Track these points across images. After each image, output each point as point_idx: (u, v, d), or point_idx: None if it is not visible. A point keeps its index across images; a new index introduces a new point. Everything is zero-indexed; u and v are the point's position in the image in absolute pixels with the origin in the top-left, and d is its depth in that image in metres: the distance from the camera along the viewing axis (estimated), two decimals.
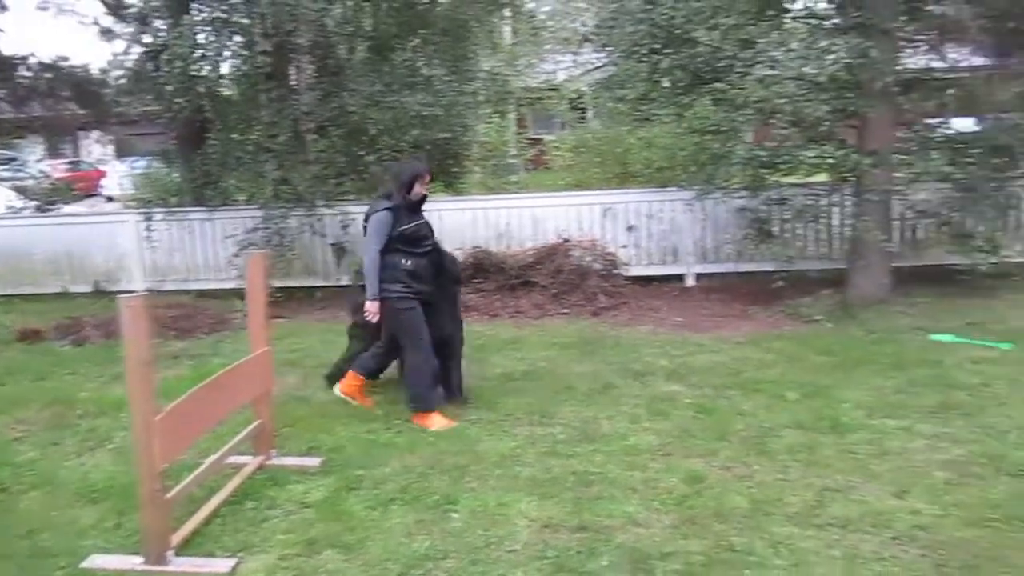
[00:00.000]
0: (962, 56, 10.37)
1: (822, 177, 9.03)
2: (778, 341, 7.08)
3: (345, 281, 9.92)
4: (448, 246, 9.40)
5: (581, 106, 17.06)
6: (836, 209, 9.07)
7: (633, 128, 11.23)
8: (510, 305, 8.54)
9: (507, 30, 14.61)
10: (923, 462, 4.56)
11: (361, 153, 10.12)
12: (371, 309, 5.46)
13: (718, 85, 8.27)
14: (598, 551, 3.71)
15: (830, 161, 8.10)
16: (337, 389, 5.94)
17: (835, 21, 8.54)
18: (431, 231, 5.69)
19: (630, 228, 9.49)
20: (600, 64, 10.40)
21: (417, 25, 10.49)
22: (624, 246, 9.44)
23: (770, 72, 7.74)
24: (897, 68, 8.31)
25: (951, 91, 9.89)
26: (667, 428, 5.19)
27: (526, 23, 14.68)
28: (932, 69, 9.30)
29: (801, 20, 9.17)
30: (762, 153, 7.77)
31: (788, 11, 9.06)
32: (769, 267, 9.07)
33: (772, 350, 6.82)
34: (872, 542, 3.74)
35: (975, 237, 8.46)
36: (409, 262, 5.47)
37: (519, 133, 18.77)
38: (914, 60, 9.35)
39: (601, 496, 4.28)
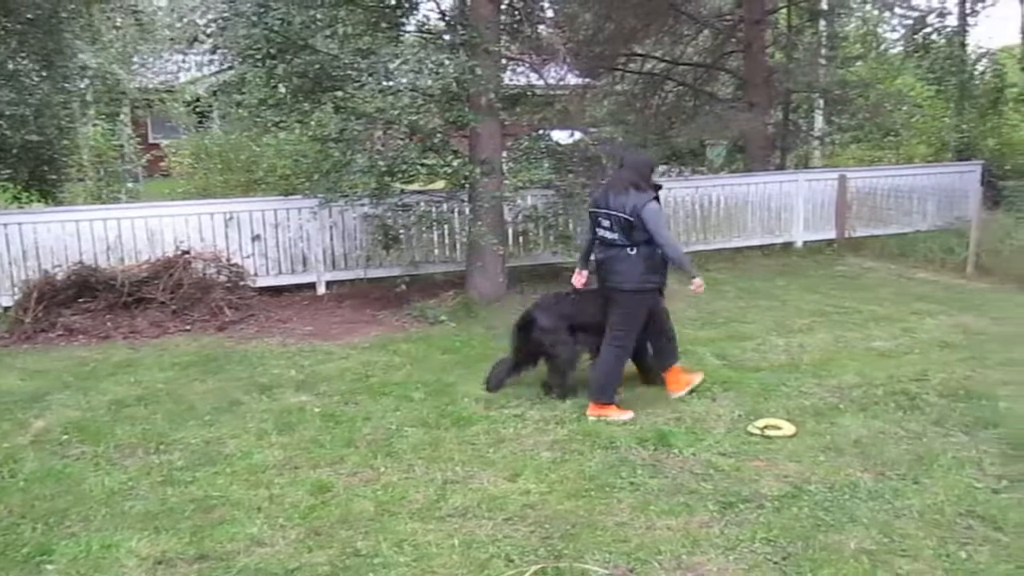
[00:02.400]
0: (560, 75, 11.54)
1: (441, 184, 9.48)
2: (405, 343, 7.29)
3: None
4: (47, 263, 8.46)
5: (201, 110, 16.20)
6: (456, 214, 9.54)
7: (256, 135, 10.90)
8: (124, 325, 7.80)
9: (110, 24, 13.34)
10: (533, 445, 4.97)
11: None
12: (699, 284, 5.57)
13: (338, 93, 8.32)
14: None
15: (446, 170, 8.55)
16: (673, 395, 5.70)
17: (446, 37, 9.01)
18: None
19: (256, 237, 9.17)
20: (222, 68, 9.94)
21: None
22: (249, 256, 9.10)
23: (387, 83, 7.96)
24: (502, 84, 8.99)
25: (556, 106, 10.95)
26: (295, 441, 5.09)
27: (129, 17, 13.52)
28: (534, 86, 10.21)
29: (416, 35, 9.57)
30: (381, 162, 7.93)
31: (404, 24, 9.39)
32: (397, 272, 9.33)
33: (400, 352, 7.01)
34: (488, 526, 3.99)
35: (575, 238, 9.44)
36: (661, 252, 5.41)
37: (135, 138, 17.27)
38: (518, 78, 10.20)
39: (223, 520, 4.08)
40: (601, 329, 5.63)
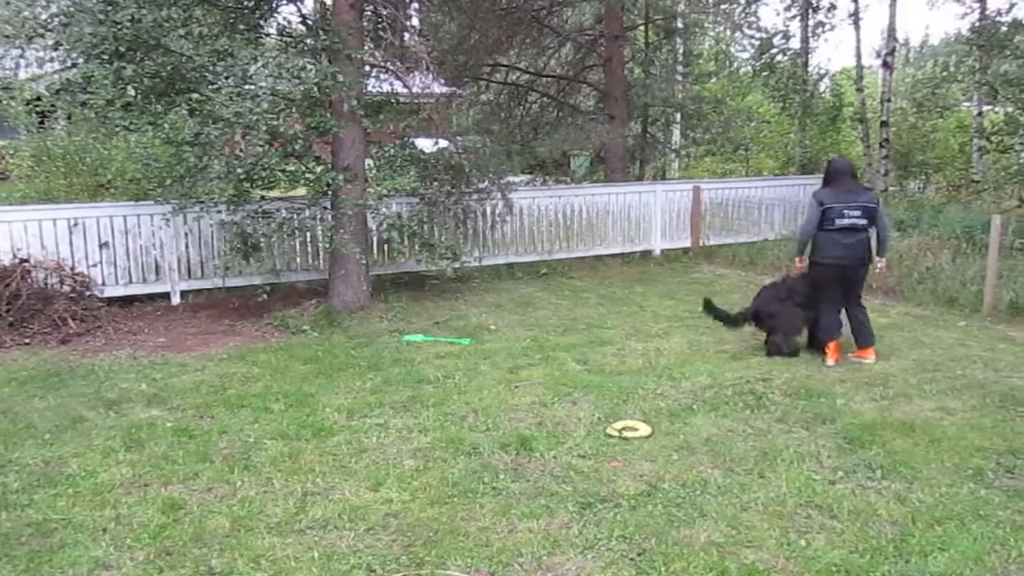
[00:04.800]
0: (425, 84, 11.53)
1: (303, 191, 9.29)
2: (265, 354, 7.09)
3: None
4: None
5: (43, 109, 15.22)
6: (318, 222, 9.36)
7: (104, 137, 10.34)
8: None
9: None
10: (396, 453, 4.93)
11: None
12: (886, 265, 7.21)
13: (194, 96, 8.01)
14: None
15: (308, 176, 8.38)
16: (829, 361, 6.76)
17: (308, 42, 8.85)
18: None
19: (103, 245, 8.68)
20: (65, 66, 9.34)
21: None
22: (96, 265, 8.60)
23: (245, 86, 7.73)
24: (365, 91, 8.90)
25: (421, 114, 10.91)
26: (145, 458, 4.86)
27: None
28: (398, 94, 10.17)
29: (277, 38, 9.35)
30: (239, 168, 7.68)
31: (263, 27, 9.15)
32: (258, 280, 9.07)
33: (258, 363, 6.80)
34: (349, 537, 3.93)
35: (439, 246, 9.45)
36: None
37: None
38: (382, 85, 10.13)
39: (64, 544, 3.84)
40: (812, 305, 6.98)
